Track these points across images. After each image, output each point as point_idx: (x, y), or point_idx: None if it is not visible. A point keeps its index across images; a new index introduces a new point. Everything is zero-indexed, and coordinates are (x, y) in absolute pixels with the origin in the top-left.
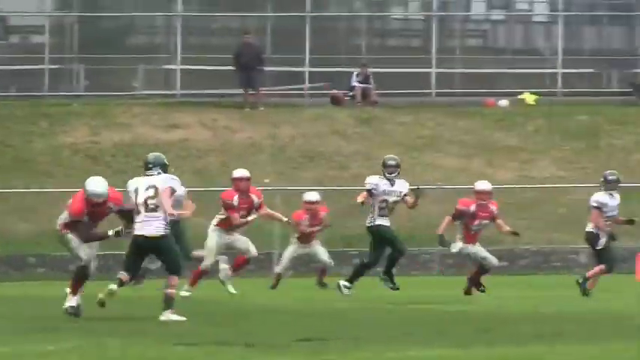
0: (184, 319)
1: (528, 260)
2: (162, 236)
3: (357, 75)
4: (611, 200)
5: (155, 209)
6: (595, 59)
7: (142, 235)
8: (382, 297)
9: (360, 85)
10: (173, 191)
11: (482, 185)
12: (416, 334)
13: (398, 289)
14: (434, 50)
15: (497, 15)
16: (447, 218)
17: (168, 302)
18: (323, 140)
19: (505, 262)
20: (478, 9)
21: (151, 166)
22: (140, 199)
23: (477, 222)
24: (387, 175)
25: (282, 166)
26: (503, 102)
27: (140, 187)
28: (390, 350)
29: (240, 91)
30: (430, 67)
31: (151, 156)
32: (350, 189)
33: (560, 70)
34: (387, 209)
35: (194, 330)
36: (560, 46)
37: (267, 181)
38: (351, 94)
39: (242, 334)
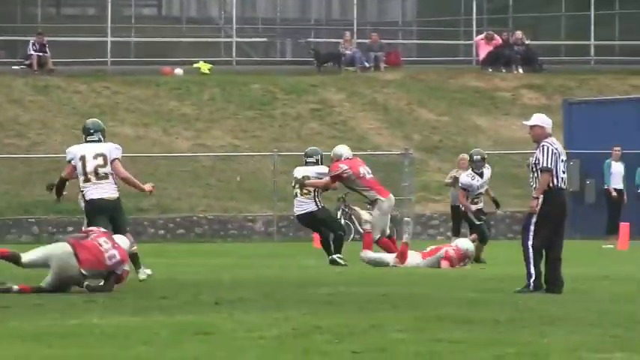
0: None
1: (205, 228)
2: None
3: (34, 44)
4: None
5: (106, 177)
6: (269, 28)
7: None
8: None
9: (37, 53)
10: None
11: None
12: (97, 302)
13: None
14: (109, 19)
15: None
16: None
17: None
18: (0, 109)
19: (182, 230)
20: None
21: (92, 131)
22: (89, 168)
23: None
24: (476, 170)
25: None
26: (179, 71)
27: (87, 154)
28: (72, 318)
29: None
30: (105, 36)
31: (90, 122)
32: (27, 157)
33: (234, 40)
34: (479, 199)
35: None
36: (234, 15)
37: None
38: (27, 62)
39: None
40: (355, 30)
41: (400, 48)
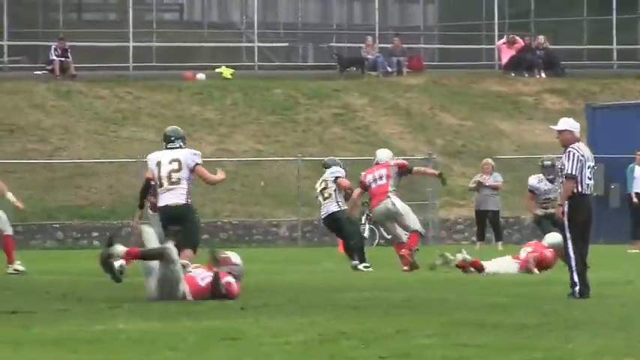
0: None
1: (230, 233)
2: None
3: (55, 49)
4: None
5: (178, 182)
6: (291, 33)
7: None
8: (92, 271)
9: (59, 58)
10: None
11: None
12: (123, 308)
13: None
14: (131, 24)
15: None
16: None
17: None
18: (22, 114)
19: (206, 235)
20: None
21: (173, 138)
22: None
23: None
24: (547, 176)
25: None
26: (201, 75)
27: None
28: (98, 323)
29: None
30: (127, 42)
31: (170, 129)
32: (50, 162)
33: (256, 44)
34: (549, 204)
35: None
36: (255, 20)
37: None
38: (49, 67)
39: None
40: (377, 34)
41: (422, 52)
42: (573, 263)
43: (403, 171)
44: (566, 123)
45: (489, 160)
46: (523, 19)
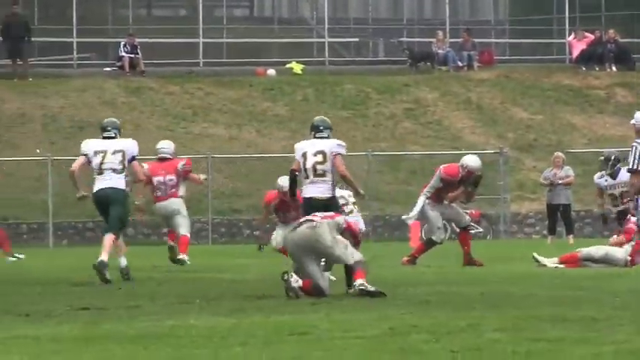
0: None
1: None
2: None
3: (125, 45)
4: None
5: (323, 174)
6: (361, 28)
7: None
8: (158, 267)
9: (128, 55)
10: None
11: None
12: (193, 303)
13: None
14: (201, 20)
15: None
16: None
17: None
18: (92, 110)
19: None
20: None
21: (321, 128)
22: (309, 164)
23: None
24: (606, 172)
25: (54, 136)
26: (272, 71)
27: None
28: (169, 319)
29: (9, 61)
30: (197, 38)
31: (318, 119)
32: None
33: (326, 40)
34: (617, 199)
35: None
36: (326, 15)
37: (38, 151)
38: (118, 64)
39: (17, 304)
40: (448, 29)
41: (493, 47)
42: None
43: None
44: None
45: (560, 154)
46: (594, 12)
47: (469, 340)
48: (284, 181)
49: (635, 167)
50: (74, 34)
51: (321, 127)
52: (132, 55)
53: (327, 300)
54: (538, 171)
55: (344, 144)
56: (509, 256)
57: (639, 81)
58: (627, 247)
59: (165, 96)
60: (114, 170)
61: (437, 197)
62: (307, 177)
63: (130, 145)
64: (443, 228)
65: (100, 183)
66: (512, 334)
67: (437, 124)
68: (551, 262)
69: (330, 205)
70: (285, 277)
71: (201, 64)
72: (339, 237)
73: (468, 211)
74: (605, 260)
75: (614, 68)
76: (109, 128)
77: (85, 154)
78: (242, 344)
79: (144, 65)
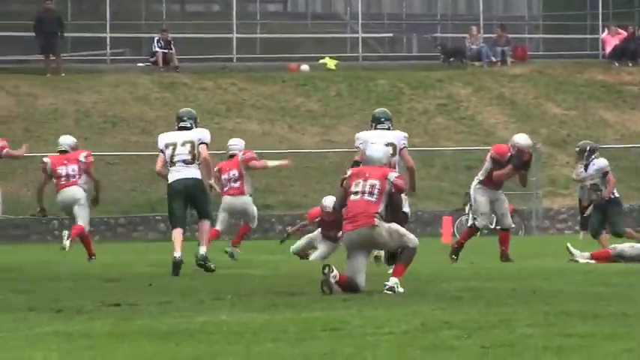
0: None
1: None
2: None
3: (158, 41)
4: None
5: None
6: (395, 23)
7: None
8: (193, 263)
9: (162, 50)
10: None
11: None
12: (225, 300)
13: None
14: (234, 15)
15: None
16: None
17: None
18: (125, 106)
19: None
20: None
21: (383, 120)
22: None
23: None
24: (582, 163)
25: (87, 131)
26: (305, 67)
27: None
28: (200, 315)
29: (42, 57)
30: (231, 33)
31: (380, 111)
32: (153, 154)
33: (360, 35)
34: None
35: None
36: (360, 10)
37: None
38: (152, 59)
39: (49, 300)
40: (482, 25)
41: (527, 42)
42: None
43: None
44: None
45: None
46: (627, 8)
47: (501, 336)
48: (328, 202)
49: None
50: (107, 30)
51: (383, 119)
52: (165, 51)
53: (359, 296)
54: (570, 167)
55: (406, 134)
56: (542, 252)
57: None
58: None
59: (198, 91)
60: (184, 162)
61: (489, 182)
62: None
63: (200, 134)
64: (487, 215)
65: (175, 174)
66: (544, 329)
67: (470, 120)
68: (583, 258)
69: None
70: (326, 271)
71: (234, 60)
72: (393, 226)
73: None
74: (637, 258)
75: None
76: (185, 118)
77: (161, 150)
78: (274, 340)
79: (177, 61)
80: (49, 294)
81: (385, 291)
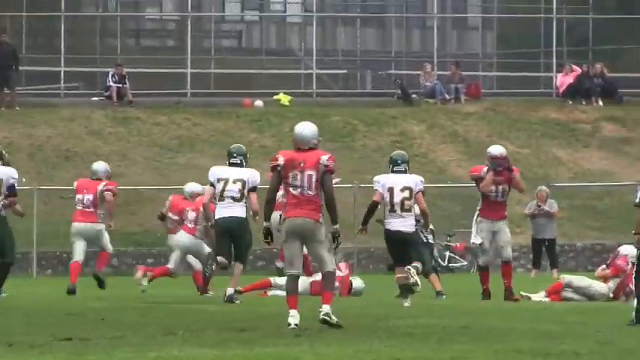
0: None
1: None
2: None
3: (113, 75)
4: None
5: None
6: (349, 60)
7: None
8: (140, 296)
9: (116, 85)
10: None
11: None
12: (176, 335)
13: None
14: (189, 50)
15: (252, 16)
16: None
17: None
18: (79, 140)
19: (262, 262)
20: (232, 10)
21: (399, 162)
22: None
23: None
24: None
25: (40, 165)
26: (259, 102)
27: None
28: (152, 350)
29: None
30: (185, 68)
31: (397, 154)
32: None
33: (314, 71)
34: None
35: None
36: (314, 46)
37: (24, 180)
38: (106, 94)
39: (1, 334)
40: (435, 62)
41: (480, 80)
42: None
43: None
44: None
45: (544, 188)
46: (581, 47)
47: None
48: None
49: (637, 201)
50: (62, 64)
51: (400, 162)
52: (120, 85)
53: (311, 332)
54: (523, 204)
55: (422, 178)
56: (493, 290)
57: (626, 115)
58: (611, 284)
59: (152, 126)
60: (233, 198)
61: (487, 208)
62: (394, 211)
63: (252, 175)
64: (487, 251)
65: (222, 211)
66: None
67: (423, 157)
68: (537, 297)
69: (414, 238)
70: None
71: (188, 95)
72: (327, 244)
73: (452, 245)
74: (586, 293)
75: (600, 102)
76: (235, 155)
77: (211, 183)
78: None
79: (131, 95)
80: (1, 327)
81: (322, 318)
